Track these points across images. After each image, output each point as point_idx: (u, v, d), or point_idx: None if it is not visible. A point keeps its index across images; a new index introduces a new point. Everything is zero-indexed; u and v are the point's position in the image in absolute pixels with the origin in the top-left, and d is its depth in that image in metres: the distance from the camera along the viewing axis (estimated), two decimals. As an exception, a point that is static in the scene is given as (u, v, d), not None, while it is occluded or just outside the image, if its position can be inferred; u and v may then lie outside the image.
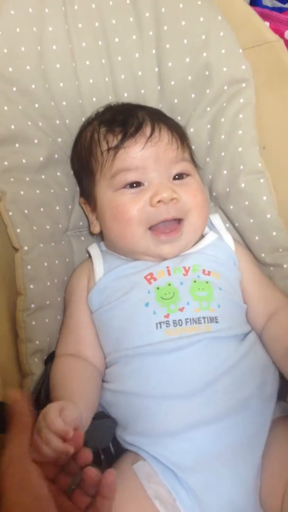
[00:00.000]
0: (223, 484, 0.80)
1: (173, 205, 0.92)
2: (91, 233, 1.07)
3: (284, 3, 1.40)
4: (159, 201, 0.90)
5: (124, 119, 0.96)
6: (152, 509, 0.77)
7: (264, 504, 0.82)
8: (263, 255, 1.02)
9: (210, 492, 0.79)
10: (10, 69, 0.97)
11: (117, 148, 0.94)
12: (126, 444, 0.86)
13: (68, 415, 0.70)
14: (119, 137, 0.94)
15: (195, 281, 0.91)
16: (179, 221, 0.94)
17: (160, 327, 0.86)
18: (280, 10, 1.26)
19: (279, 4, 1.41)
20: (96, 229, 1.02)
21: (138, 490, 0.79)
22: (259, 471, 0.83)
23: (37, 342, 0.92)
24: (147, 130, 0.94)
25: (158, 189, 0.91)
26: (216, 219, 1.04)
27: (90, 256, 1.02)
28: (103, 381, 0.91)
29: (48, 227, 0.99)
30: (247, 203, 1.02)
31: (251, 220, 1.02)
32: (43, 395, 0.87)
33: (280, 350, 0.89)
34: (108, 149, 0.95)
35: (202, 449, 0.81)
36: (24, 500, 0.62)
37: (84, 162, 1.01)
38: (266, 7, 1.39)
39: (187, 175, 0.97)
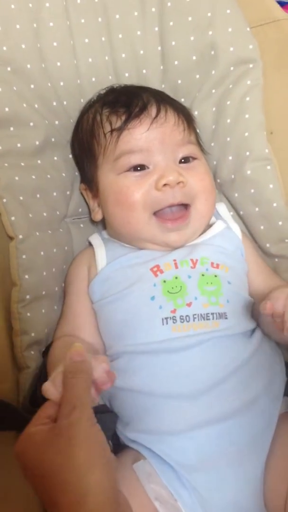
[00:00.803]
0: (227, 484, 0.79)
1: (180, 189, 0.89)
2: (92, 221, 1.04)
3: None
4: (165, 185, 0.87)
5: (128, 100, 0.93)
6: (152, 509, 0.75)
7: (267, 503, 0.81)
8: (268, 245, 0.99)
9: (214, 492, 0.78)
10: (4, 48, 0.93)
11: (120, 129, 0.91)
12: (127, 441, 0.84)
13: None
14: (123, 118, 0.91)
15: (203, 275, 0.88)
16: (185, 206, 0.92)
17: (167, 323, 0.84)
18: (281, 4, 1.22)
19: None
20: (97, 216, 0.99)
21: (137, 491, 0.77)
22: (264, 470, 0.82)
23: (33, 334, 0.89)
24: (153, 110, 0.91)
25: (164, 172, 0.88)
26: (222, 208, 1.02)
27: (90, 245, 1.00)
28: None
29: (44, 214, 0.96)
30: (252, 191, 0.99)
31: (257, 209, 0.99)
32: (39, 391, 0.85)
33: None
34: (112, 131, 0.92)
35: (206, 449, 0.79)
36: (96, 470, 0.60)
37: (86, 146, 0.98)
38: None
39: (194, 158, 0.94)
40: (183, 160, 0.93)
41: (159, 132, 0.90)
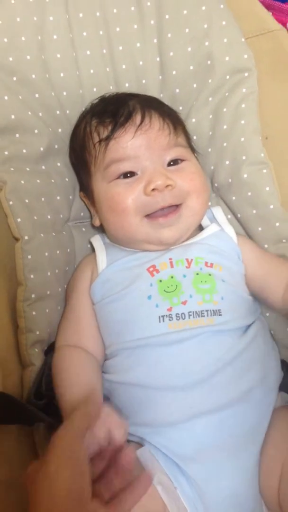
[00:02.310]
0: (224, 474, 0.80)
1: (169, 192, 0.91)
2: (93, 226, 1.06)
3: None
4: (153, 189, 0.89)
5: (114, 109, 0.95)
6: (154, 494, 0.77)
7: (262, 488, 0.82)
8: (266, 246, 1.01)
9: (211, 482, 0.79)
10: (10, 59, 0.96)
11: (108, 139, 0.93)
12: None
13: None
14: (110, 127, 0.94)
15: (197, 274, 0.90)
16: (177, 205, 0.93)
17: (163, 321, 0.86)
18: (282, 0, 1.25)
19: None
20: (96, 222, 1.02)
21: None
22: (259, 460, 0.83)
23: (38, 333, 0.91)
24: (137, 118, 0.93)
25: (152, 177, 0.90)
26: (218, 212, 1.03)
27: (93, 249, 1.02)
28: (103, 372, 0.91)
29: (49, 217, 0.98)
30: (249, 193, 1.01)
31: (254, 211, 1.01)
32: (43, 387, 0.87)
33: None
34: (100, 141, 0.94)
35: (202, 440, 0.81)
36: (64, 472, 0.64)
37: (79, 156, 1.00)
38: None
39: (182, 160, 0.96)
40: (172, 163, 0.94)
41: (144, 138, 0.92)
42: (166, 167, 0.94)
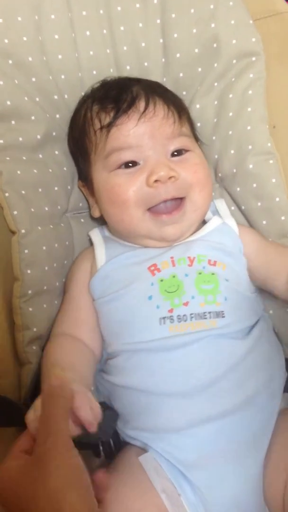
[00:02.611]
0: (226, 481, 0.79)
1: (172, 183, 0.87)
2: (92, 217, 1.03)
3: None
4: (156, 181, 0.86)
5: (117, 95, 0.91)
6: (158, 502, 0.76)
7: (267, 495, 0.81)
8: (270, 240, 0.98)
9: (214, 489, 0.78)
10: (6, 41, 0.91)
11: (109, 126, 0.90)
12: (128, 438, 0.85)
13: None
14: (112, 114, 0.90)
15: (200, 273, 0.88)
16: (180, 199, 0.90)
17: (164, 323, 0.84)
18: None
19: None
20: (96, 213, 0.99)
21: (144, 483, 0.77)
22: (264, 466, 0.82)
23: (35, 329, 0.89)
24: (141, 105, 0.90)
25: (155, 168, 0.87)
26: (221, 204, 1.01)
27: (91, 242, 0.99)
28: (104, 372, 0.90)
29: (46, 208, 0.95)
30: (254, 185, 0.98)
31: (259, 204, 0.98)
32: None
33: None
34: (101, 128, 0.91)
35: (205, 446, 0.80)
36: (72, 492, 0.59)
37: (79, 143, 0.97)
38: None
39: (186, 150, 0.93)
40: (175, 153, 0.91)
41: (148, 126, 0.89)
42: (170, 158, 0.90)
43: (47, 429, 0.63)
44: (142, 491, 0.76)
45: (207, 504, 0.77)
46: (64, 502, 0.57)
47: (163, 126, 0.90)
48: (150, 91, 0.92)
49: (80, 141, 0.96)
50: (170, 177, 0.87)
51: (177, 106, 0.94)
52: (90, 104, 0.95)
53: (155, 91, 0.93)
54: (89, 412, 0.67)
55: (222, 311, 0.85)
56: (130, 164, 0.89)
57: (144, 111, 0.89)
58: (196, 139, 0.99)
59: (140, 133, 0.89)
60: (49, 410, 0.65)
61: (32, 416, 0.67)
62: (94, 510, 0.60)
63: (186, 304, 0.85)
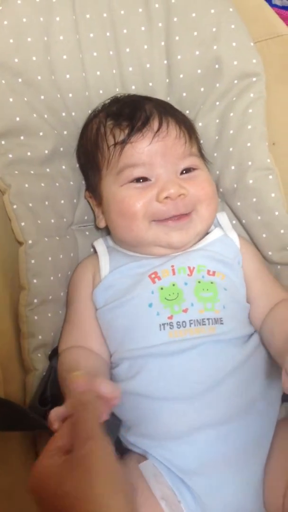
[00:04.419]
0: (226, 488, 0.79)
1: (181, 200, 0.90)
2: (97, 228, 1.06)
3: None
4: (166, 197, 0.89)
5: (131, 113, 0.94)
6: (158, 509, 0.76)
7: (266, 503, 0.82)
8: (270, 253, 1.00)
9: (214, 496, 0.79)
10: (16, 60, 0.95)
11: (124, 143, 0.92)
12: (129, 445, 0.86)
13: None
14: (126, 131, 0.92)
15: (199, 282, 0.89)
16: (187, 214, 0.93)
17: (164, 329, 0.85)
18: (286, 8, 1.25)
19: (289, 4, 1.40)
20: (102, 223, 1.01)
21: (144, 490, 0.78)
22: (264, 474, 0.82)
23: (40, 337, 0.91)
24: (155, 124, 0.92)
25: (165, 185, 0.90)
26: (223, 217, 1.03)
27: (95, 251, 1.01)
28: None
29: (52, 221, 0.98)
30: (254, 199, 1.00)
31: (259, 217, 1.00)
32: (48, 391, 0.87)
33: (275, 343, 0.87)
34: (115, 144, 0.93)
35: (205, 453, 0.80)
36: (118, 499, 0.59)
37: (90, 156, 0.99)
38: (276, 6, 1.38)
39: (195, 169, 0.95)
40: (184, 171, 0.94)
41: (161, 145, 0.91)
42: (179, 176, 0.93)
43: (85, 434, 0.63)
44: (142, 499, 0.76)
45: (207, 511, 0.78)
46: (110, 507, 0.57)
47: (175, 146, 0.93)
48: (163, 111, 0.95)
49: (92, 154, 0.98)
50: (180, 195, 0.89)
51: (188, 127, 0.97)
52: (103, 119, 0.97)
53: (167, 111, 0.96)
54: (110, 386, 0.71)
55: (221, 318, 0.87)
56: (141, 180, 0.92)
57: (158, 130, 0.92)
58: (203, 158, 1.02)
59: (153, 151, 0.91)
60: (83, 416, 0.66)
61: (55, 415, 0.69)
62: None
63: (185, 310, 0.86)
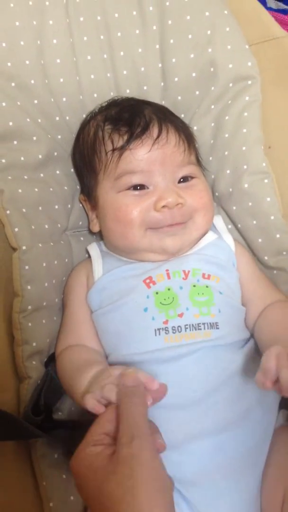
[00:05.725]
0: (223, 498, 0.79)
1: (178, 210, 0.90)
2: (91, 232, 1.05)
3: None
4: (163, 206, 0.88)
5: (130, 118, 0.93)
6: None
7: None
8: (266, 258, 1.00)
9: (211, 506, 0.78)
10: (9, 64, 0.94)
11: (122, 149, 0.91)
12: None
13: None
14: (125, 137, 0.92)
15: (194, 286, 0.89)
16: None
17: (159, 334, 0.85)
18: (284, 12, 1.25)
19: (284, 6, 1.40)
20: (95, 227, 1.01)
21: None
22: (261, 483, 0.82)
23: (34, 344, 0.90)
24: (154, 131, 0.92)
25: (163, 194, 0.89)
26: (218, 220, 1.02)
27: (89, 256, 1.01)
28: None
29: (46, 226, 0.97)
30: (250, 204, 0.99)
31: (254, 222, 1.00)
32: (42, 400, 0.86)
33: (262, 344, 0.87)
34: (113, 150, 0.92)
35: (202, 463, 0.80)
36: (158, 499, 0.59)
37: (87, 160, 0.98)
38: (271, 9, 1.38)
39: (192, 177, 0.95)
40: (181, 180, 0.94)
41: (160, 153, 0.91)
42: (177, 184, 0.93)
43: (130, 431, 0.63)
44: None
45: None
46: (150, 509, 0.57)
47: (174, 154, 0.92)
48: (163, 117, 0.94)
49: (88, 157, 0.97)
50: (178, 204, 0.89)
51: (187, 135, 0.97)
52: (101, 122, 0.96)
53: (167, 117, 0.95)
54: (157, 382, 0.71)
55: (217, 322, 0.86)
56: (139, 187, 0.91)
57: (158, 137, 0.91)
58: (201, 166, 1.01)
59: (152, 159, 0.91)
60: (130, 411, 0.66)
61: (92, 398, 0.71)
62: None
63: (180, 315, 0.86)
